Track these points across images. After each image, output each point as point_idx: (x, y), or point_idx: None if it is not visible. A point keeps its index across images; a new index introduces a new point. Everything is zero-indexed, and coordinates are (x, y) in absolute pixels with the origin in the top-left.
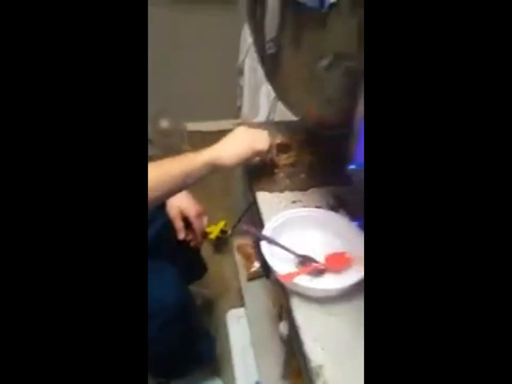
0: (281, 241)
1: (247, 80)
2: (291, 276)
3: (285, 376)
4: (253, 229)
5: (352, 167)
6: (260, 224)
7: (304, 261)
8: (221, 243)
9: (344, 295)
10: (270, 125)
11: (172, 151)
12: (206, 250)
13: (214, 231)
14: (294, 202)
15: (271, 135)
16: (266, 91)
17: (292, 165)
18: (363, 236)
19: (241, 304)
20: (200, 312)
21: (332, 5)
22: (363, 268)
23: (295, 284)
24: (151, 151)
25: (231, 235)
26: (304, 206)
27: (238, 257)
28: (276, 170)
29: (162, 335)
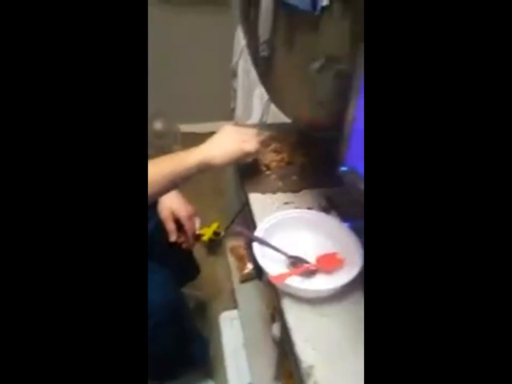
0: (273, 242)
1: (240, 82)
2: (283, 276)
3: (277, 377)
4: (245, 230)
5: (343, 169)
6: (252, 225)
7: (296, 262)
8: (214, 245)
9: (336, 296)
10: (263, 127)
11: (165, 152)
12: (199, 252)
13: (207, 232)
14: (286, 203)
15: (258, 133)
16: (259, 93)
17: (284, 162)
18: (354, 237)
19: (234, 306)
20: (193, 314)
21: (324, 8)
22: (354, 268)
23: (287, 285)
24: None
25: (224, 237)
26: (296, 207)
27: (231, 259)
28: (268, 172)
29: (155, 337)
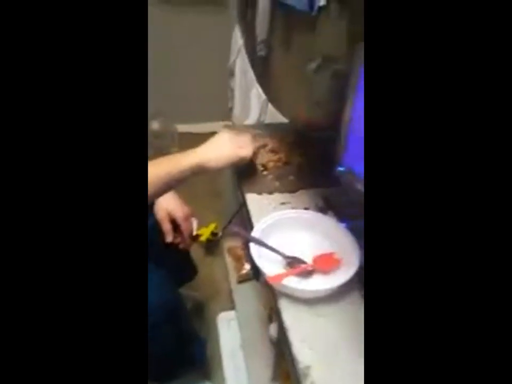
0: (270, 243)
1: (238, 82)
2: (279, 277)
3: (274, 378)
4: (242, 231)
5: (340, 169)
6: (249, 225)
7: (293, 262)
8: (212, 245)
9: (333, 296)
10: (260, 127)
11: (163, 153)
12: (196, 253)
13: (205, 233)
14: (283, 204)
15: (253, 139)
16: (257, 93)
17: (281, 162)
18: (351, 237)
19: (232, 306)
20: (190, 314)
21: (320, 8)
22: (351, 268)
23: (284, 285)
24: None
25: (221, 237)
26: (293, 208)
27: (229, 260)
28: (265, 173)
29: (152, 338)
